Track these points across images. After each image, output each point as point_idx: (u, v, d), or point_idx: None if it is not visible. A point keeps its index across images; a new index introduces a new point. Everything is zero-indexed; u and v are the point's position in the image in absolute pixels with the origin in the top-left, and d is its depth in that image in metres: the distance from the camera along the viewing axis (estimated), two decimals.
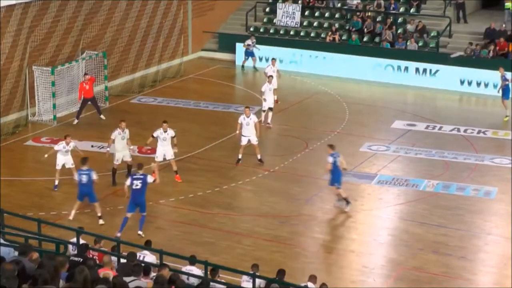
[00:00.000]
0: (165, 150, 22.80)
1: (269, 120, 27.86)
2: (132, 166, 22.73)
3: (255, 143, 24.25)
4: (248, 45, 35.82)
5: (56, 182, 22.49)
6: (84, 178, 20.04)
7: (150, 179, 19.77)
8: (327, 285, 14.72)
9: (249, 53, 35.97)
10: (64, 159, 22.22)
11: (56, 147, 22.32)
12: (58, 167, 22.31)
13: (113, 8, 32.25)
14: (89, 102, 28.22)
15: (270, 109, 27.81)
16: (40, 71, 28.40)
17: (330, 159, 21.41)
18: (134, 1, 33.30)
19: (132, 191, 19.55)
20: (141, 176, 19.54)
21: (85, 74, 28.66)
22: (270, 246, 19.49)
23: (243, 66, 36.22)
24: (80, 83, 28.17)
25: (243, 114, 24.30)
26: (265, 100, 27.71)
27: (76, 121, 28.21)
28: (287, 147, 26.24)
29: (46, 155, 22.59)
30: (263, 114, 27.87)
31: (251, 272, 15.40)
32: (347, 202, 21.41)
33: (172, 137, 22.82)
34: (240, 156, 24.41)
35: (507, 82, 28.84)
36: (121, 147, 22.61)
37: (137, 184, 19.48)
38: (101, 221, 20.29)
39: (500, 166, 24.57)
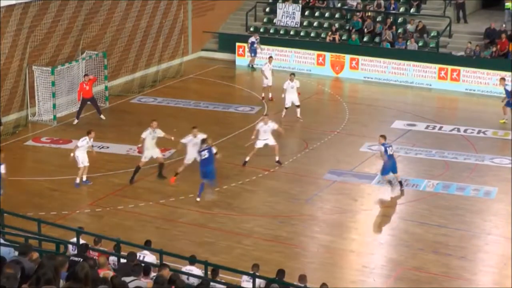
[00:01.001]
0: (195, 154, 22.63)
1: (298, 115, 28.36)
2: (164, 164, 23.19)
3: (274, 143, 24.30)
4: (252, 42, 35.60)
5: (78, 180, 22.62)
6: None
7: (215, 149, 21.88)
8: (327, 285, 14.70)
9: (252, 51, 35.69)
10: (83, 157, 22.40)
11: (79, 143, 22.46)
12: (82, 164, 22.49)
13: (113, 8, 32.25)
14: (89, 102, 28.24)
15: (297, 106, 28.22)
16: (40, 71, 28.40)
17: (382, 148, 22.45)
18: (134, 1, 33.30)
19: (200, 161, 21.64)
20: (207, 148, 21.64)
21: (86, 75, 28.66)
22: (270, 246, 19.49)
23: (249, 65, 35.86)
24: (80, 83, 28.18)
25: (262, 122, 24.36)
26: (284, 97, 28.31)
27: (76, 121, 28.21)
28: (287, 147, 26.23)
29: (72, 154, 22.58)
30: (284, 111, 28.21)
31: (251, 272, 15.40)
32: (401, 184, 22.62)
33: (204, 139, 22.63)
34: (247, 159, 24.34)
35: (508, 99, 28.44)
36: (151, 146, 22.92)
37: (205, 154, 21.55)
38: None
39: (500, 166, 24.57)
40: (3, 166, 20.55)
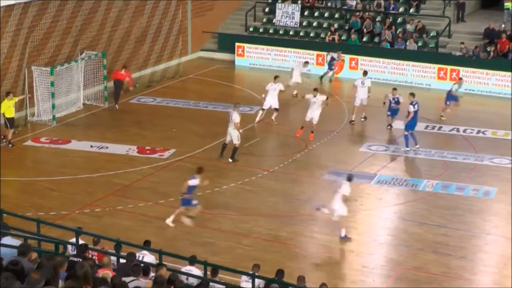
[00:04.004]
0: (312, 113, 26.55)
1: (273, 117, 28.37)
2: (236, 147, 24.39)
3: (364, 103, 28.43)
4: (332, 58, 34.15)
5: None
6: None
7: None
8: (327, 285, 14.69)
9: (329, 66, 34.31)
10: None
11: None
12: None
13: (112, 8, 32.22)
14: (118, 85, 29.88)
15: (275, 109, 28.20)
16: (39, 71, 28.37)
17: (411, 108, 25.50)
18: (133, 1, 33.28)
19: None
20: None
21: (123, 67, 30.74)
22: (270, 246, 19.46)
23: (323, 77, 34.47)
24: (117, 70, 30.40)
25: (360, 78, 28.79)
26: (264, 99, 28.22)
27: (117, 106, 29.59)
28: (287, 147, 26.21)
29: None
30: (260, 113, 28.10)
31: (251, 272, 15.38)
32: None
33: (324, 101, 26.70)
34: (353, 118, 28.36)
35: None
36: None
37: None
38: None
39: (499, 166, 24.56)
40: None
